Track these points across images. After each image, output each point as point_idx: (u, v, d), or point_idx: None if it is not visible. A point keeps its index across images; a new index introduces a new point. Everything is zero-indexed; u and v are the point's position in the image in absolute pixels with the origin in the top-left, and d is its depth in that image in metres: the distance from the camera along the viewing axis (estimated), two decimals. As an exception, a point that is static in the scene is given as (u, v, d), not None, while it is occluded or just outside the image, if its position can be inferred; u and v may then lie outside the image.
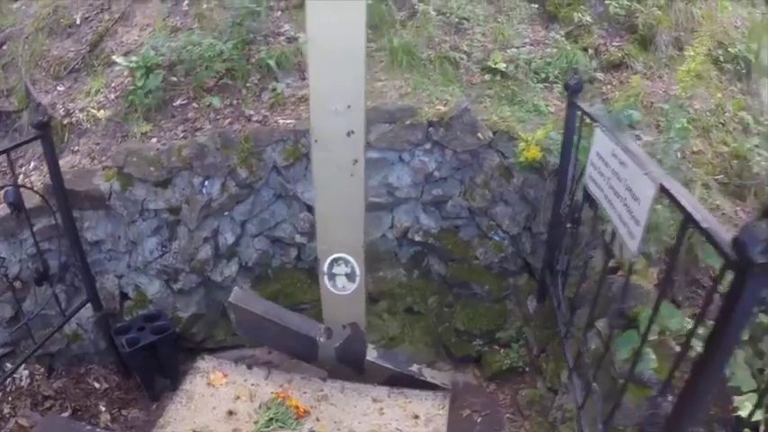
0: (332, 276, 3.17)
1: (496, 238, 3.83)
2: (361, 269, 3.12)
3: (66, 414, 3.76)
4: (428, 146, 3.73)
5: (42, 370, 3.92)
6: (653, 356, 2.92)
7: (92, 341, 3.95)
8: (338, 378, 3.50)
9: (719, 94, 4.57)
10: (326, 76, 2.70)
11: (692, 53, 3.80)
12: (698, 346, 3.14)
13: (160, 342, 3.75)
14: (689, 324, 3.10)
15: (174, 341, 3.90)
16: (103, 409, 3.86)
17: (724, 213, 3.98)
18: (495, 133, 3.73)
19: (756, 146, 4.35)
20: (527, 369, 3.86)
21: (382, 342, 3.86)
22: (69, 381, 3.95)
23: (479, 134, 3.70)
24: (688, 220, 1.84)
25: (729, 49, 4.75)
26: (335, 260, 3.11)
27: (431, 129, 3.70)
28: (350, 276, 3.15)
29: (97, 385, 3.97)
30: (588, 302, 3.05)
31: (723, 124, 4.39)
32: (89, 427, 3.53)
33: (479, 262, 3.87)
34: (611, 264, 3.29)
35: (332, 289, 3.20)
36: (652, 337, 2.97)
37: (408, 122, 3.72)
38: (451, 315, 3.92)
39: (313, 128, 2.84)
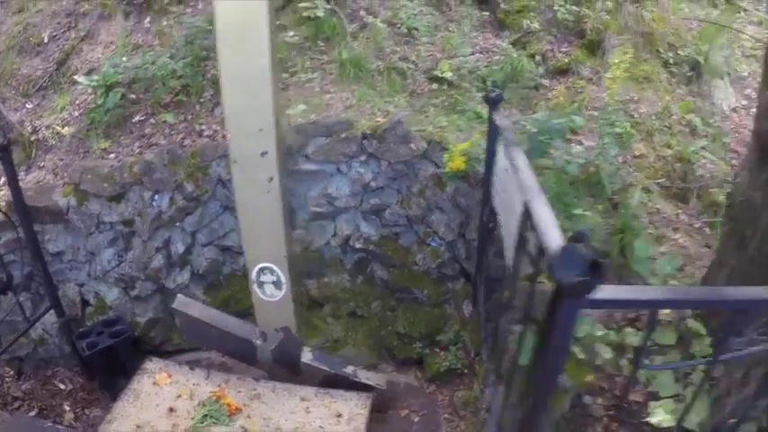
0: (260, 284, 3.56)
1: (433, 244, 4.18)
2: (287, 277, 3.50)
3: (32, 413, 4.23)
4: (363, 157, 4.10)
5: (12, 372, 4.43)
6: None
7: (57, 345, 4.42)
8: (278, 379, 3.89)
9: (668, 97, 4.82)
10: (238, 102, 3.09)
11: (616, 61, 4.06)
12: (605, 353, 3.43)
13: (118, 345, 4.19)
14: (600, 331, 3.41)
15: (132, 344, 4.35)
16: (68, 408, 4.33)
17: (664, 217, 4.26)
18: (429, 143, 4.06)
19: (703, 148, 4.58)
20: (465, 371, 4.20)
21: (327, 345, 4.25)
22: (37, 382, 4.44)
23: (412, 145, 4.05)
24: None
25: (680, 52, 4.98)
26: (262, 269, 3.51)
27: (365, 141, 4.06)
28: (276, 284, 3.53)
29: (62, 386, 4.44)
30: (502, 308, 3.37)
31: (668, 127, 4.63)
32: (50, 425, 4.00)
33: (418, 267, 4.22)
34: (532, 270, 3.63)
35: (261, 296, 3.60)
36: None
37: (344, 135, 4.09)
38: (394, 319, 4.28)
39: (231, 149, 3.23)
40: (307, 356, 3.82)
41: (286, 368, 3.85)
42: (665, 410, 2.97)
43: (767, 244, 2.81)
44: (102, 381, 4.37)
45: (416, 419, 4.02)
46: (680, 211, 4.34)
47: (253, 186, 3.27)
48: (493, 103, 3.65)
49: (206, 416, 3.54)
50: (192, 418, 3.55)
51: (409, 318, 4.23)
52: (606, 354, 3.24)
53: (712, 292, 2.12)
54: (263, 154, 3.18)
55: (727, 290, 2.33)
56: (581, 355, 3.29)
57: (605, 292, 1.62)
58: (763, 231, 2.85)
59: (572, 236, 1.71)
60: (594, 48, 4.89)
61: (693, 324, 3.09)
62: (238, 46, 3.00)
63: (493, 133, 3.69)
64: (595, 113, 4.36)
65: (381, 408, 3.97)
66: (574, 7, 5.02)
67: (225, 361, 4.39)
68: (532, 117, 4.14)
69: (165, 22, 5.17)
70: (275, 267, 3.47)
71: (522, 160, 2.87)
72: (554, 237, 2.05)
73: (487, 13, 5.23)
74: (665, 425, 2.88)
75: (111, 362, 4.25)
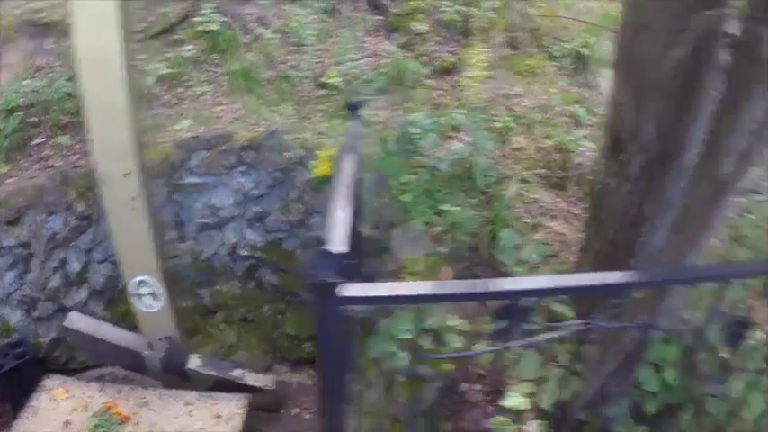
0: (139, 296, 4.01)
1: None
2: (164, 288, 3.95)
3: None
4: (243, 168, 4.54)
5: (-76, 402, 4.85)
6: (402, 354, 3.63)
7: (-34, 370, 4.84)
8: (172, 386, 4.34)
9: (553, 90, 5.27)
10: (100, 128, 3.54)
11: (473, 61, 4.50)
12: (455, 342, 3.82)
13: (22, 366, 4.63)
14: (453, 321, 3.82)
15: (39, 365, 4.79)
16: (-23, 433, 4.75)
17: (542, 205, 4.70)
18: (306, 150, 4.51)
19: (585, 137, 5.03)
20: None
21: (222, 351, 4.70)
22: (-51, 410, 4.87)
23: (289, 153, 4.49)
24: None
25: (566, 45, 5.44)
26: (139, 282, 3.95)
27: (243, 152, 4.51)
28: (154, 296, 3.98)
29: (-27, 413, 4.87)
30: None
31: (550, 119, 5.08)
32: (-44, 450, 4.45)
33: (305, 270, 4.66)
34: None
35: (142, 307, 4.05)
36: (407, 336, 3.68)
37: (223, 148, 4.53)
38: (284, 321, 4.74)
39: (98, 170, 3.68)
40: (194, 363, 4.27)
41: (176, 375, 4.29)
42: (521, 394, 3.34)
43: (624, 228, 3.19)
44: (14, 402, 4.80)
45: (308, 416, 4.47)
46: (559, 199, 4.77)
47: (120, 205, 3.71)
48: (352, 109, 4.08)
49: (97, 425, 3.99)
50: (86, 429, 4.00)
51: (298, 319, 4.69)
52: (456, 343, 3.65)
53: (467, 285, 2.22)
54: (126, 175, 3.63)
55: (487, 282, 2.62)
56: (430, 346, 3.73)
57: (355, 289, 1.79)
58: (619, 216, 3.23)
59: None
60: (481, 46, 5.35)
61: (560, 308, 3.47)
62: (97, 76, 3.46)
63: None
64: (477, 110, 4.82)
65: (274, 407, 4.42)
66: (462, 7, 5.48)
67: (128, 374, 4.83)
68: (404, 118, 4.60)
69: (65, 43, 5.60)
70: (151, 279, 3.92)
71: (348, 165, 3.28)
72: (332, 242, 2.38)
73: (381, 18, 5.68)
74: (521, 407, 3.25)
75: (19, 383, 4.69)
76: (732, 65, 2.33)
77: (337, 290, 1.76)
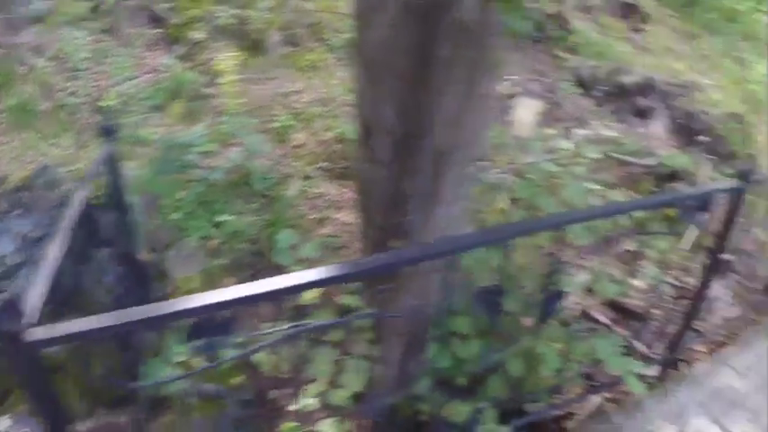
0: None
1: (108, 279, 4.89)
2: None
3: None
4: (20, 211, 4.72)
5: None
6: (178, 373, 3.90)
7: None
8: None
9: (334, 81, 5.65)
10: None
11: (222, 66, 4.81)
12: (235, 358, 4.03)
13: None
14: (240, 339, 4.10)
15: None
16: None
17: (328, 198, 5.07)
18: (80, 182, 4.73)
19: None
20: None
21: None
22: None
23: (63, 188, 4.71)
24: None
25: (345, 36, 5.82)
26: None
27: (18, 194, 4.69)
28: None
29: None
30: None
31: (331, 111, 5.46)
32: None
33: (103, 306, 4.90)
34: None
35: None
36: (183, 358, 3.93)
37: (-4, 193, 4.70)
38: (92, 365, 4.97)
39: None
40: (4, 424, 4.45)
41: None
42: (311, 394, 3.39)
43: (388, 212, 3.26)
44: None
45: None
46: (345, 189, 5.13)
47: None
48: (107, 133, 4.26)
49: None
50: None
51: (102, 362, 4.91)
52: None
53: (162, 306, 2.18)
54: None
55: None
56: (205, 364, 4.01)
57: (44, 332, 1.96)
58: (381, 201, 3.30)
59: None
60: (258, 48, 5.67)
61: (350, 300, 3.56)
62: None
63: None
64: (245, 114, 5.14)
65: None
66: (237, 11, 5.77)
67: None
68: (181, 132, 4.88)
69: None
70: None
71: (77, 197, 3.46)
72: (27, 286, 2.39)
73: (161, 30, 5.89)
74: (311, 408, 3.38)
75: None
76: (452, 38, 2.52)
77: (23, 336, 1.86)
